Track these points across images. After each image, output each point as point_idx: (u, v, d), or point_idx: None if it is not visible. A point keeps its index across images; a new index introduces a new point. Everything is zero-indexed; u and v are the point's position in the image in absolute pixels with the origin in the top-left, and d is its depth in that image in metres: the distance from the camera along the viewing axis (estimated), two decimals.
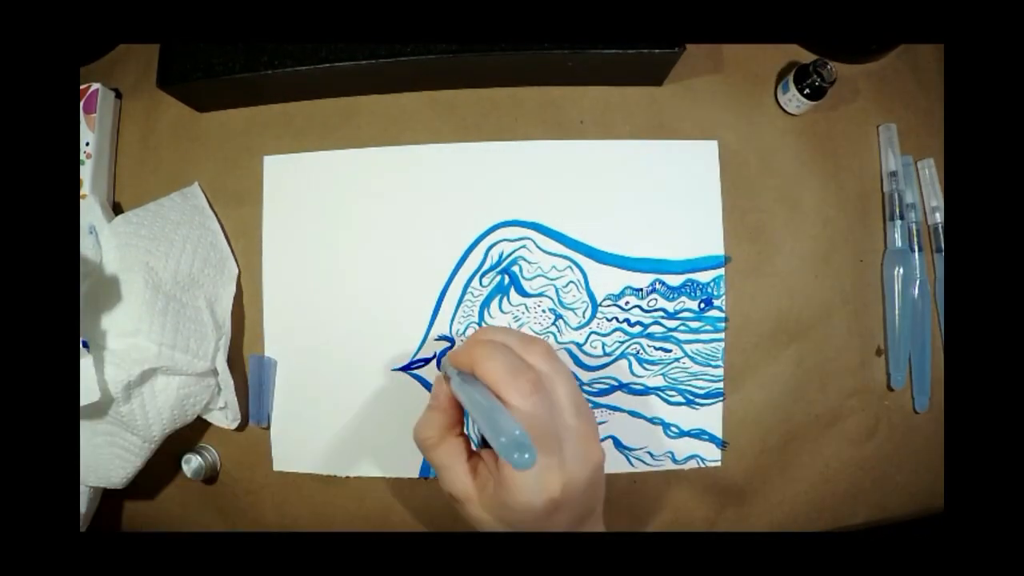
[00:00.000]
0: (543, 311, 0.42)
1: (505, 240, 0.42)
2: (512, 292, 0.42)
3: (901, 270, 0.41)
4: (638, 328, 0.42)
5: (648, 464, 0.42)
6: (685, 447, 0.42)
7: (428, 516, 0.43)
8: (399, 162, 0.43)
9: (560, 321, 0.42)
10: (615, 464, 0.42)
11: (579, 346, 0.42)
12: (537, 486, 0.26)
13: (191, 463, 0.42)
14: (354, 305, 0.43)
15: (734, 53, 0.44)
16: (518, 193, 0.43)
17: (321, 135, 0.44)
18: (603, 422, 0.42)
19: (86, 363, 0.34)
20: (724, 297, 0.42)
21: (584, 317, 0.42)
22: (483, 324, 0.42)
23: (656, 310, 0.42)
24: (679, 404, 0.42)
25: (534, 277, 0.42)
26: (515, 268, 0.42)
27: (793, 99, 0.41)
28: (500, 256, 0.43)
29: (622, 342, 0.42)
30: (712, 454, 0.42)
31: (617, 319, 0.42)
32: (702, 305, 0.42)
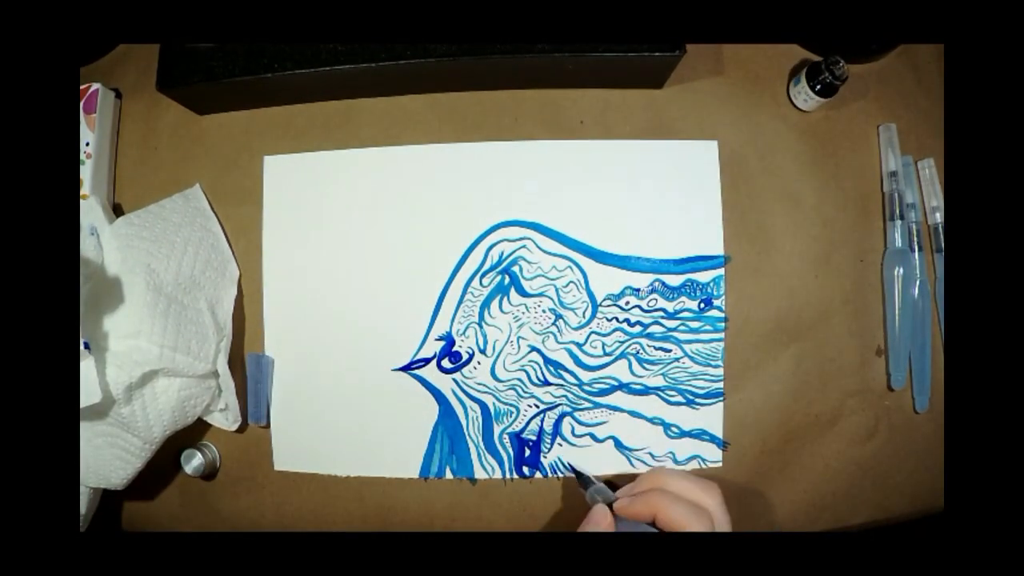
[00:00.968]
0: (543, 311, 0.42)
1: (505, 240, 0.42)
2: (512, 292, 0.42)
3: (901, 270, 0.41)
4: (638, 328, 0.42)
5: (649, 465, 0.42)
6: (686, 447, 0.42)
7: (428, 516, 0.43)
8: (399, 162, 0.43)
9: (560, 321, 0.42)
10: (616, 465, 0.42)
11: (579, 346, 0.42)
12: None
13: (191, 460, 0.42)
14: (354, 305, 0.43)
15: (734, 54, 0.44)
16: (518, 193, 0.43)
17: (321, 136, 0.44)
18: (603, 422, 0.42)
19: (87, 364, 0.34)
20: (724, 297, 0.42)
21: (584, 317, 0.42)
22: (482, 324, 0.42)
23: (656, 310, 0.42)
24: (679, 404, 0.42)
25: (534, 277, 0.42)
26: (515, 268, 0.42)
27: (803, 94, 0.41)
28: (500, 256, 0.43)
29: (622, 342, 0.42)
30: (713, 454, 0.42)
31: (617, 319, 0.42)
32: (702, 305, 0.42)
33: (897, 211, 0.42)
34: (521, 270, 0.42)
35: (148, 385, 0.37)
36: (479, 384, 0.42)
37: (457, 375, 0.43)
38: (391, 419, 0.43)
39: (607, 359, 0.42)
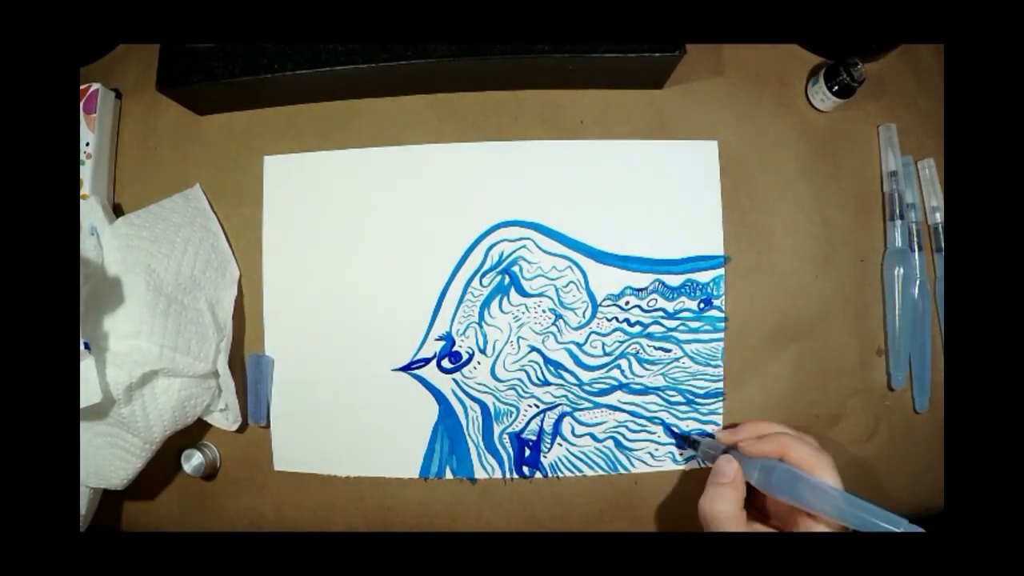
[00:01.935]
0: (543, 311, 0.42)
1: (505, 240, 0.42)
2: (512, 292, 0.42)
3: (901, 270, 0.41)
4: (638, 328, 0.42)
5: (649, 465, 0.42)
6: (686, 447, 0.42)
7: (428, 516, 0.43)
8: (399, 162, 0.43)
9: (560, 321, 0.42)
10: (616, 465, 0.42)
11: (579, 346, 0.42)
12: None
13: (191, 460, 0.42)
14: (354, 305, 0.43)
15: (734, 54, 0.44)
16: (518, 193, 0.43)
17: (321, 135, 0.44)
18: (603, 422, 0.42)
19: (88, 364, 0.34)
20: (724, 297, 0.42)
21: (584, 317, 0.42)
22: (482, 324, 0.42)
23: (656, 310, 0.42)
24: (679, 404, 0.42)
25: (534, 277, 0.42)
26: (515, 268, 0.42)
27: (820, 93, 0.42)
28: (500, 256, 0.43)
29: (622, 342, 0.42)
30: None
31: (617, 319, 0.42)
32: (702, 305, 0.42)
33: (897, 211, 0.42)
34: (521, 270, 0.42)
35: (148, 385, 0.37)
36: (479, 384, 0.42)
37: (457, 375, 0.43)
38: (391, 419, 0.43)
39: (607, 359, 0.42)
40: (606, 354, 0.42)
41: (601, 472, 0.42)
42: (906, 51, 0.44)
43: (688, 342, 0.42)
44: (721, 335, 0.42)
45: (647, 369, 0.42)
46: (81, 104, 0.43)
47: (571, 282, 0.42)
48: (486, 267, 0.42)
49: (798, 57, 0.44)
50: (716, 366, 0.42)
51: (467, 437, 0.42)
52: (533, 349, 0.42)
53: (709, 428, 0.42)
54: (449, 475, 0.43)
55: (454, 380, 0.43)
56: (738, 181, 0.43)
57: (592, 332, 0.42)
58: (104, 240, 0.39)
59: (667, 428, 0.42)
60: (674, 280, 0.42)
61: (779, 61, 0.44)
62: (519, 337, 0.42)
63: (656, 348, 0.42)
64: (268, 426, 0.43)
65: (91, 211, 0.40)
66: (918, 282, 0.42)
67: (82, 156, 0.42)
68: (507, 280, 0.42)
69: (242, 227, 0.44)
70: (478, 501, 0.43)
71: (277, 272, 0.43)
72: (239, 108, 0.44)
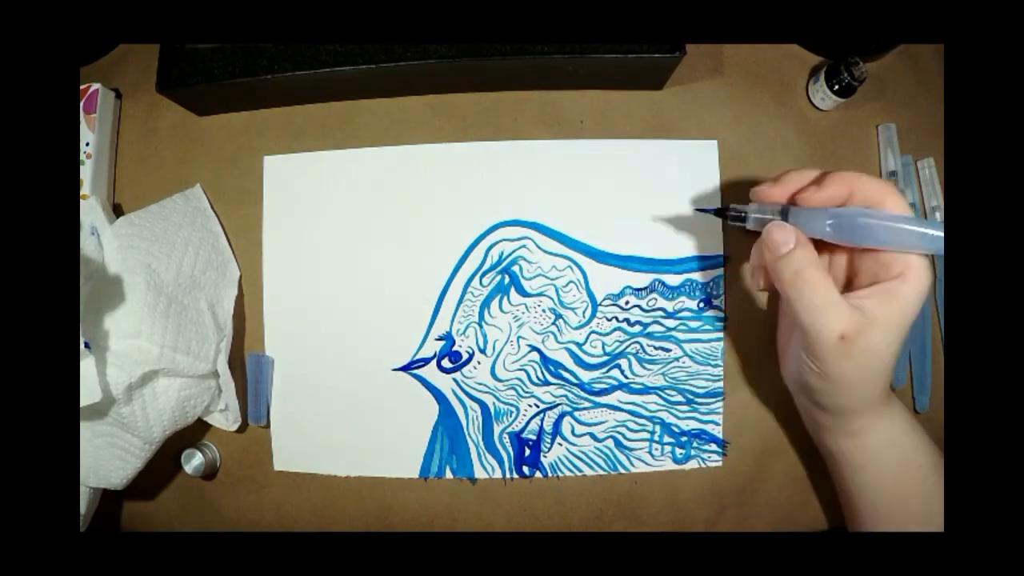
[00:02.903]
0: (543, 311, 0.42)
1: (505, 240, 0.42)
2: (512, 292, 0.42)
3: None
4: (638, 328, 0.42)
5: (649, 464, 0.42)
6: (686, 447, 0.42)
7: (428, 516, 0.43)
8: (399, 162, 0.43)
9: (560, 321, 0.42)
10: (615, 464, 0.42)
11: (579, 346, 0.42)
12: (928, 286, 0.30)
13: (192, 460, 0.42)
14: (354, 305, 0.43)
15: (734, 54, 0.44)
16: (518, 193, 0.43)
17: (321, 135, 0.44)
18: (603, 422, 0.42)
19: (87, 364, 0.34)
20: (724, 297, 0.42)
21: (584, 317, 0.42)
22: (482, 324, 0.42)
23: (656, 310, 0.42)
24: (679, 403, 0.42)
25: (534, 277, 0.42)
26: (515, 268, 0.42)
27: (820, 92, 0.42)
28: (500, 256, 0.43)
29: (622, 341, 0.42)
30: (713, 454, 0.42)
31: (617, 319, 0.42)
32: (701, 305, 0.42)
33: None
34: (521, 270, 0.42)
35: (148, 385, 0.37)
36: (479, 384, 0.42)
37: (457, 375, 0.43)
38: (391, 419, 0.43)
39: (607, 359, 0.42)
40: (606, 354, 0.42)
41: (601, 472, 0.42)
42: (906, 51, 0.44)
43: (688, 342, 0.42)
44: (721, 335, 0.42)
45: (647, 369, 0.42)
46: (81, 104, 0.43)
47: (571, 282, 0.42)
48: (486, 267, 0.42)
49: (798, 57, 0.44)
50: (716, 366, 0.42)
51: (467, 437, 0.42)
52: (533, 349, 0.42)
53: (709, 428, 0.42)
54: (449, 475, 0.43)
55: (454, 380, 0.43)
56: (738, 181, 0.43)
57: (592, 332, 0.42)
58: (104, 240, 0.39)
59: (706, 208, 0.37)
60: (674, 280, 0.42)
61: (779, 61, 0.44)
62: (519, 337, 0.42)
63: (656, 348, 0.42)
64: (268, 426, 0.43)
65: (91, 211, 0.40)
66: None
67: (82, 156, 0.42)
68: (507, 280, 0.42)
69: (242, 227, 0.44)
70: (478, 501, 0.43)
71: (277, 272, 0.43)
72: (239, 109, 0.44)
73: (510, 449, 0.42)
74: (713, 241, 0.42)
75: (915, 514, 0.34)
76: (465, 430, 0.42)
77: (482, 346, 0.42)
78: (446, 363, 0.43)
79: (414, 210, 0.43)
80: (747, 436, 0.42)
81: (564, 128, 0.43)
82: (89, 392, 0.34)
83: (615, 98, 0.43)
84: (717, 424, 0.42)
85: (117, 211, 0.44)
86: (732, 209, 0.34)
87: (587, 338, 0.42)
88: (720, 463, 0.42)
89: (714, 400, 0.42)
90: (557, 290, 0.42)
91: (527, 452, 0.42)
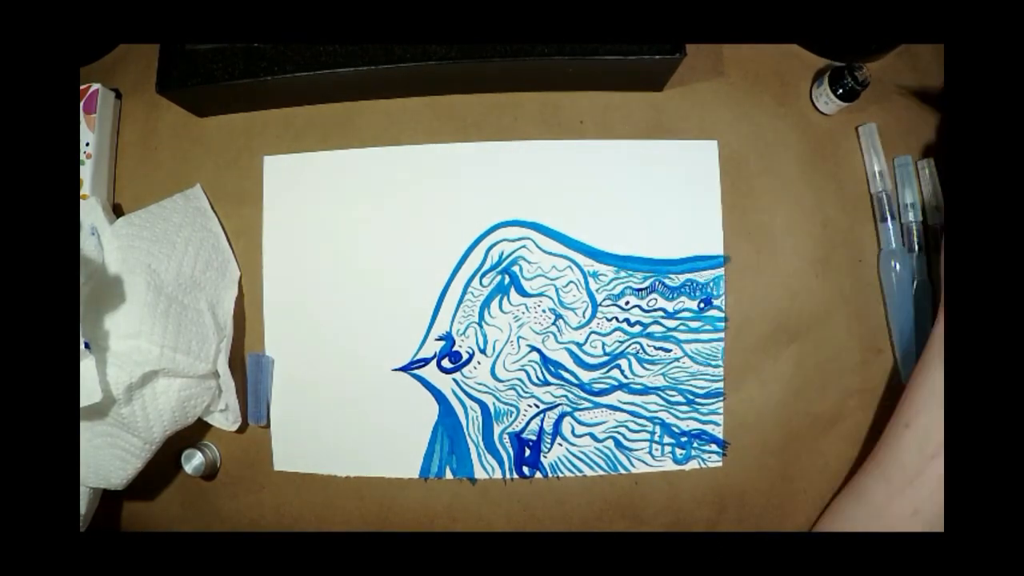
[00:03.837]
0: (543, 311, 0.42)
1: (505, 240, 0.42)
2: (512, 292, 0.42)
3: (898, 270, 0.41)
4: (638, 328, 0.42)
5: (649, 464, 0.42)
6: (686, 447, 0.42)
7: (428, 516, 0.43)
8: (399, 162, 0.43)
9: (560, 321, 0.42)
10: (615, 465, 0.42)
11: (579, 346, 0.42)
12: None
13: (192, 460, 0.42)
14: (354, 305, 0.43)
15: (734, 54, 0.44)
16: (518, 193, 0.43)
17: (321, 136, 0.44)
18: (603, 422, 0.42)
19: (87, 364, 0.34)
20: (724, 297, 0.42)
21: (584, 317, 0.42)
22: (482, 324, 0.42)
23: (656, 310, 0.42)
24: (679, 404, 0.42)
25: (534, 277, 0.42)
26: (515, 268, 0.42)
27: (824, 96, 0.42)
28: (500, 256, 0.43)
29: (622, 342, 0.42)
30: (713, 454, 0.42)
31: (617, 319, 0.42)
32: (702, 305, 0.42)
33: (887, 212, 0.42)
34: (521, 270, 0.42)
35: (148, 385, 0.37)
36: (479, 384, 0.42)
37: (457, 375, 0.43)
38: (391, 419, 0.43)
39: (607, 359, 0.42)
40: (606, 354, 0.42)
41: (601, 472, 0.42)
42: (906, 51, 0.44)
43: (688, 342, 0.42)
44: (721, 335, 0.42)
45: (647, 369, 0.42)
46: (81, 104, 0.43)
47: (571, 282, 0.42)
48: (486, 267, 0.42)
49: (798, 57, 0.44)
50: (716, 366, 0.42)
51: (467, 437, 0.42)
52: (533, 349, 0.42)
53: (709, 428, 0.42)
54: (449, 475, 0.43)
55: (454, 380, 0.43)
56: (738, 181, 0.43)
57: (592, 332, 0.42)
58: (104, 240, 0.39)
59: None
60: (674, 280, 0.42)
61: (779, 61, 0.44)
62: (519, 337, 0.42)
63: (656, 348, 0.42)
64: (268, 426, 0.43)
65: (91, 211, 0.40)
66: (918, 282, 0.42)
67: (82, 156, 0.42)
68: (507, 280, 0.42)
69: (242, 227, 0.44)
70: (478, 501, 0.43)
71: (277, 272, 0.43)
72: (239, 110, 0.44)
73: (510, 449, 0.42)
74: (713, 241, 0.42)
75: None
76: (465, 430, 0.42)
77: (482, 346, 0.42)
78: (446, 363, 0.43)
79: (414, 210, 0.43)
80: (747, 436, 0.42)
81: (564, 128, 0.43)
82: (89, 392, 0.34)
83: (615, 98, 0.43)
84: (717, 424, 0.42)
85: (117, 211, 0.44)
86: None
87: (587, 338, 0.42)
88: (720, 463, 0.42)
89: (714, 400, 0.42)
90: (557, 290, 0.42)
91: (527, 452, 0.42)
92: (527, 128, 0.43)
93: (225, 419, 0.42)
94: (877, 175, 0.42)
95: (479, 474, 0.42)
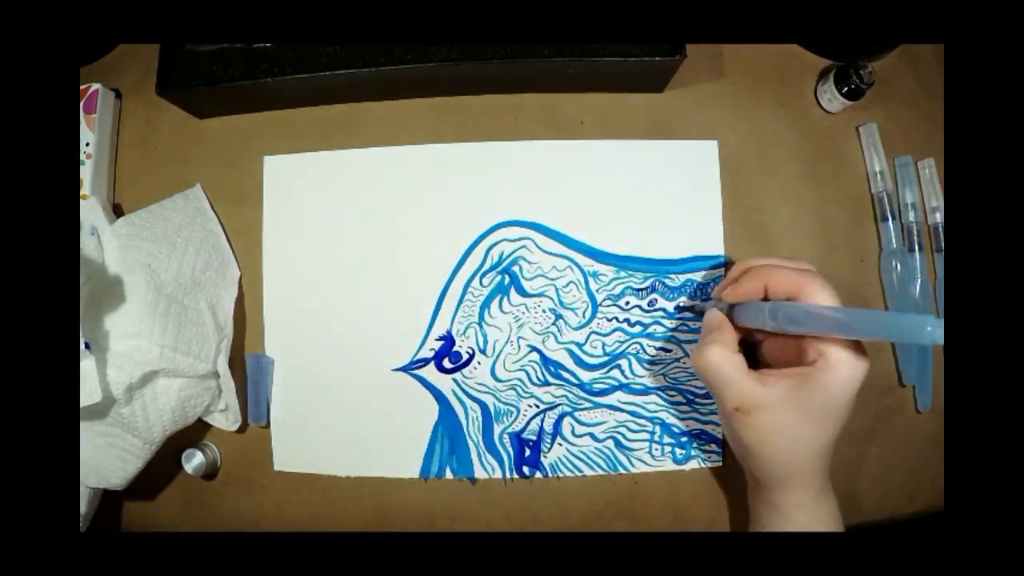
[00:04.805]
0: (543, 311, 0.42)
1: (505, 240, 0.42)
2: (512, 292, 0.42)
3: (899, 270, 0.41)
4: (638, 328, 0.42)
5: (649, 464, 0.42)
6: (686, 447, 0.42)
7: (428, 516, 0.43)
8: (399, 162, 0.43)
9: (560, 321, 0.42)
10: (615, 465, 0.42)
11: (579, 346, 0.42)
12: (854, 376, 0.29)
13: (192, 460, 0.42)
14: (354, 305, 0.43)
15: (734, 54, 0.44)
16: (518, 193, 0.43)
17: (322, 136, 0.44)
18: (603, 422, 0.42)
19: (87, 364, 0.34)
20: None
21: (584, 317, 0.42)
22: (483, 324, 0.42)
23: (656, 310, 0.42)
24: (679, 404, 0.42)
25: (534, 277, 0.42)
26: (515, 268, 0.42)
27: (828, 93, 0.42)
28: (500, 256, 0.43)
29: (622, 342, 0.42)
30: (713, 454, 0.42)
31: (617, 319, 0.42)
32: None
33: (888, 211, 0.42)
34: (521, 270, 0.42)
35: (148, 385, 0.37)
36: (479, 384, 0.42)
37: (457, 375, 0.43)
38: (391, 419, 0.43)
39: (607, 359, 0.42)
40: (606, 354, 0.42)
41: (601, 472, 0.42)
42: (906, 51, 0.44)
43: (688, 342, 0.42)
44: None
45: (647, 369, 0.42)
46: (81, 104, 0.43)
47: (571, 282, 0.42)
48: (486, 267, 0.42)
49: (798, 57, 0.44)
50: None
51: (467, 437, 0.42)
52: (533, 349, 0.42)
53: (709, 428, 0.42)
54: (449, 475, 0.43)
55: (454, 380, 0.43)
56: (738, 181, 0.43)
57: (592, 332, 0.42)
58: (104, 240, 0.39)
59: (677, 307, 0.41)
60: (674, 280, 0.42)
61: (779, 61, 0.44)
62: (519, 337, 0.42)
63: (656, 348, 0.42)
64: (268, 426, 0.43)
65: (91, 211, 0.40)
66: (918, 282, 0.42)
67: (82, 156, 0.42)
68: (507, 280, 0.42)
69: (242, 227, 0.44)
70: (478, 501, 0.43)
71: (277, 272, 0.43)
72: (238, 112, 0.44)
73: (510, 449, 0.42)
74: (713, 241, 0.42)
75: None
76: (465, 430, 0.42)
77: (482, 346, 0.42)
78: (446, 363, 0.43)
79: (414, 210, 0.43)
80: None
81: (564, 129, 0.43)
82: (89, 392, 0.34)
83: (615, 98, 0.43)
84: (717, 424, 0.42)
85: (117, 211, 0.44)
86: (696, 306, 0.41)
87: (587, 338, 0.42)
88: (720, 463, 0.42)
89: (714, 401, 0.42)
90: (557, 290, 0.42)
91: (527, 452, 0.42)
92: (527, 128, 0.43)
93: (225, 419, 0.42)
94: (878, 175, 0.42)
95: (479, 474, 0.42)
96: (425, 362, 0.43)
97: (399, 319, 0.43)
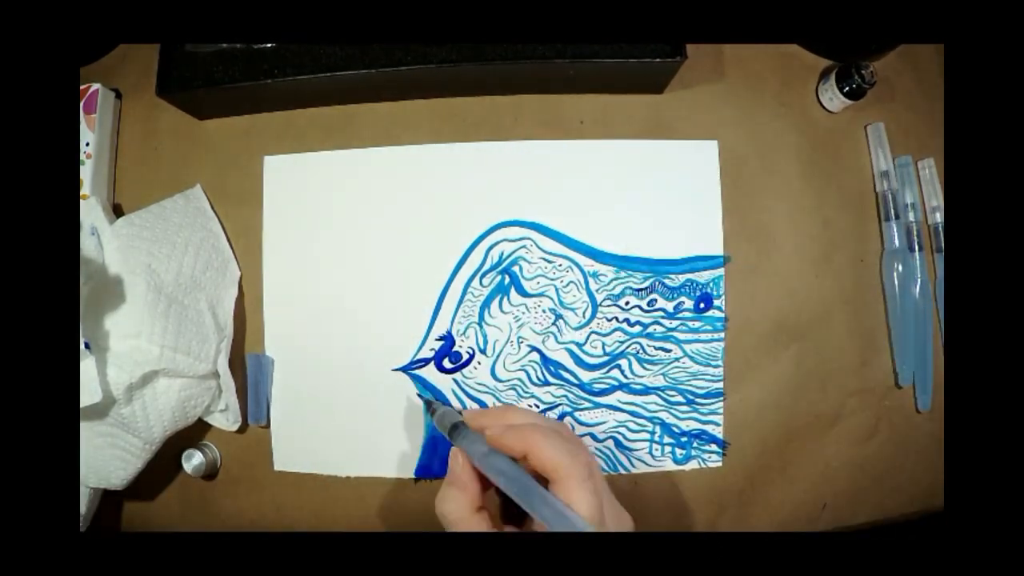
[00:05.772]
0: (543, 311, 0.42)
1: (505, 240, 0.42)
2: (512, 292, 0.42)
3: (900, 270, 0.41)
4: (638, 328, 0.42)
5: (649, 465, 0.42)
6: (686, 447, 0.42)
7: (427, 516, 0.43)
8: (399, 162, 0.43)
9: (560, 321, 0.42)
10: (616, 465, 0.42)
11: (579, 346, 0.42)
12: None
13: (192, 460, 0.42)
14: (354, 305, 0.43)
15: (734, 54, 0.44)
16: (518, 193, 0.43)
17: (322, 137, 0.44)
18: (603, 422, 0.42)
19: (88, 364, 0.34)
20: (724, 297, 0.42)
21: (584, 317, 0.42)
22: (483, 324, 0.42)
23: (656, 310, 0.42)
24: (679, 404, 0.42)
25: (534, 277, 0.42)
26: (515, 268, 0.42)
27: (829, 92, 0.42)
28: (500, 256, 0.43)
29: (622, 342, 0.42)
30: (713, 454, 0.42)
31: (617, 319, 0.42)
32: (702, 305, 0.42)
33: (892, 211, 0.42)
34: (521, 270, 0.42)
35: (148, 385, 0.37)
36: (479, 384, 0.42)
37: (457, 375, 0.43)
38: (391, 419, 0.43)
39: (607, 359, 0.42)
40: (606, 354, 0.42)
41: (601, 472, 0.42)
42: (906, 51, 0.44)
43: (688, 342, 0.42)
44: (721, 335, 0.42)
45: (647, 369, 0.42)
46: (81, 104, 0.43)
47: (571, 282, 0.42)
48: (486, 267, 0.42)
49: (798, 57, 0.44)
50: (716, 366, 0.42)
51: None
52: (533, 349, 0.42)
53: (709, 428, 0.42)
54: None
55: (454, 380, 0.43)
56: (738, 181, 0.43)
57: (592, 332, 0.42)
58: (104, 240, 0.39)
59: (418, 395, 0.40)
60: (674, 280, 0.42)
61: (779, 61, 0.44)
62: (519, 337, 0.42)
63: (656, 348, 0.42)
64: (268, 426, 0.43)
65: (91, 211, 0.40)
66: (918, 282, 0.42)
67: (82, 156, 0.42)
68: (507, 280, 0.42)
69: (242, 227, 0.44)
70: None
71: (277, 272, 0.43)
72: (239, 112, 0.44)
73: None
74: (713, 241, 0.42)
75: None
76: None
77: (482, 346, 0.42)
78: (446, 363, 0.43)
79: (414, 210, 0.43)
80: (747, 436, 0.42)
81: (564, 129, 0.43)
82: (89, 392, 0.34)
83: (615, 98, 0.43)
84: (717, 424, 0.42)
85: (117, 211, 0.44)
86: (433, 409, 0.36)
87: (587, 338, 0.42)
88: (720, 463, 0.42)
89: (714, 400, 0.42)
90: (557, 290, 0.42)
91: None
92: (527, 128, 0.43)
93: (225, 419, 0.42)
94: (883, 174, 0.42)
95: None
96: (425, 362, 0.43)
97: (399, 319, 0.43)
